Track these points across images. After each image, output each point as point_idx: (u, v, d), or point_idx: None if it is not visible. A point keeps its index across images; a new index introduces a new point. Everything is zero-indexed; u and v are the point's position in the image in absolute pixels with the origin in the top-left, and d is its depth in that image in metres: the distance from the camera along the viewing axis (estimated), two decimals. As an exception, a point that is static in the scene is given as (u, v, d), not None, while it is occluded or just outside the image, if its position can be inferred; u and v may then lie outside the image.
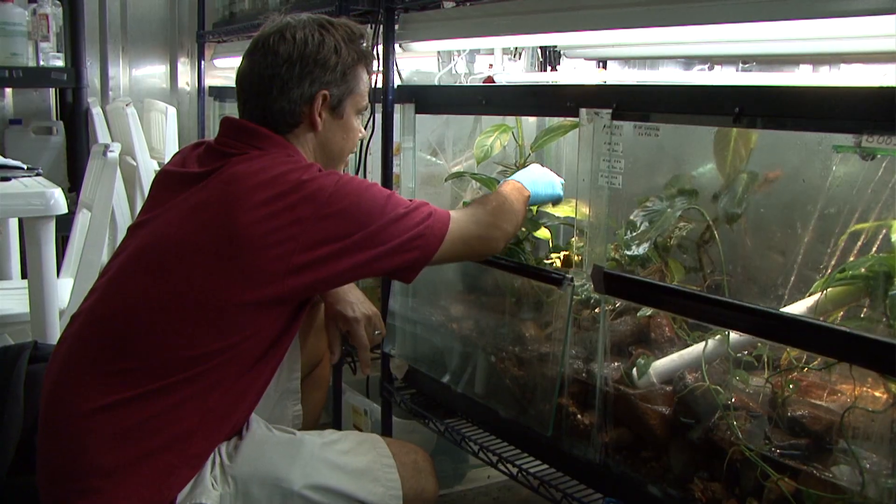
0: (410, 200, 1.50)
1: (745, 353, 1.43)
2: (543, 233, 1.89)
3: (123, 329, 1.37)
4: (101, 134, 3.58)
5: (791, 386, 1.32)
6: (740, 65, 2.21)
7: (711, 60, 2.34)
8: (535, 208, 1.85)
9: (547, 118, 2.01)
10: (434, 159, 2.23)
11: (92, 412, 1.34)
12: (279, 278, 1.35)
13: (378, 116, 2.17)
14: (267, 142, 1.47)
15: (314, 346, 1.86)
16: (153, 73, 4.10)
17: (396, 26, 2.17)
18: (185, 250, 1.37)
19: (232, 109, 3.52)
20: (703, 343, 1.44)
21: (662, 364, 1.51)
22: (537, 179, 1.77)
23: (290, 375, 1.80)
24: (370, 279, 2.49)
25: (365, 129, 2.31)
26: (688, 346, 1.51)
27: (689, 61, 2.48)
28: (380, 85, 2.17)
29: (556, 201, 1.81)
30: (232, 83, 4.20)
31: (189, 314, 1.35)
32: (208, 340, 1.36)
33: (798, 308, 1.33)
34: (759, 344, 1.41)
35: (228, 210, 1.35)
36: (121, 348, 1.36)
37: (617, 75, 2.59)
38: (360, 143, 1.81)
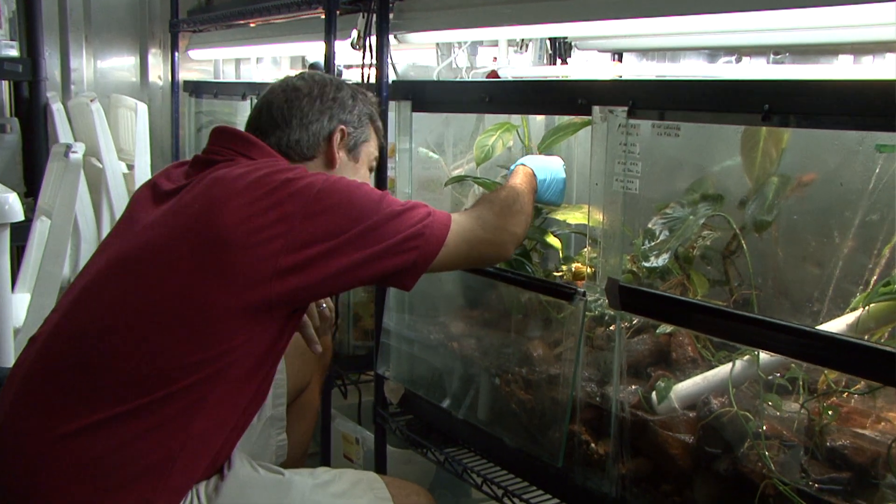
0: (406, 201, 1.51)
1: (778, 375, 1.43)
2: (554, 242, 1.89)
3: (95, 345, 1.37)
4: (63, 133, 3.58)
5: (830, 412, 1.32)
6: (771, 56, 2.21)
7: (739, 52, 2.34)
8: (541, 206, 1.86)
9: (556, 116, 2.02)
10: (433, 155, 2.23)
11: (56, 441, 1.33)
12: (266, 282, 1.36)
13: (371, 114, 2.17)
14: (256, 150, 1.52)
15: (300, 368, 1.86)
16: (121, 65, 4.10)
17: (391, 15, 2.17)
18: (165, 254, 1.38)
19: (209, 105, 3.53)
20: (729, 364, 1.44)
21: (685, 387, 1.51)
22: (547, 167, 1.80)
23: (275, 401, 1.79)
24: (362, 292, 2.49)
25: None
26: (713, 367, 1.51)
27: (713, 53, 2.48)
28: (373, 80, 2.17)
29: (557, 202, 1.83)
30: (209, 77, 4.17)
31: (169, 322, 1.35)
32: (189, 351, 1.35)
33: (837, 325, 1.33)
34: (793, 365, 1.40)
35: (211, 210, 1.37)
36: (92, 365, 1.36)
37: (633, 69, 2.60)
38: None
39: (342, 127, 1.61)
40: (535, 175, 1.77)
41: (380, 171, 2.14)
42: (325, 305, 1.80)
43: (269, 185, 1.39)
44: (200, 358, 1.36)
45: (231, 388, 1.41)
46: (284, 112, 1.59)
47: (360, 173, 1.66)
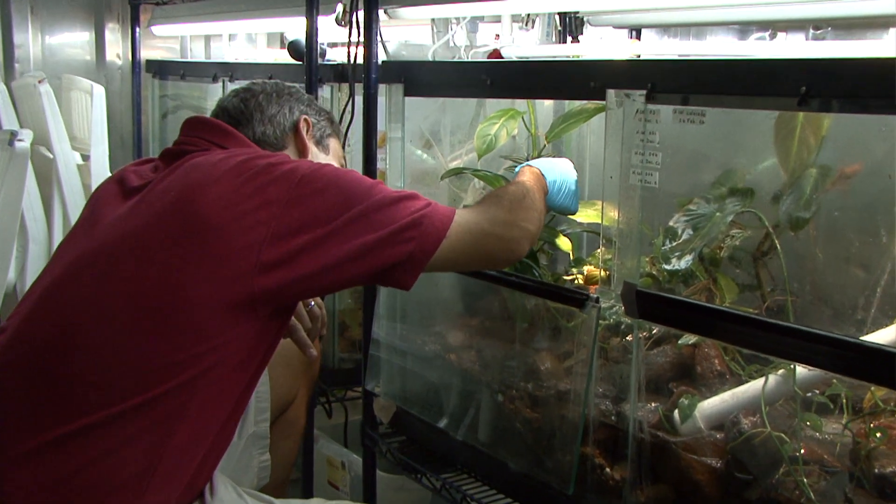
0: (402, 190, 1.53)
1: (817, 392, 1.43)
2: (563, 243, 1.89)
3: (61, 350, 1.37)
4: (6, 118, 3.56)
5: (878, 435, 1.32)
6: (811, 31, 2.21)
7: (773, 26, 2.34)
8: (555, 213, 1.86)
9: (566, 101, 2.02)
10: (426, 156, 2.23)
11: (19, 459, 1.33)
12: (247, 275, 1.36)
13: (359, 100, 2.17)
14: (231, 140, 1.57)
15: (285, 380, 1.86)
16: (73, 41, 4.08)
17: (381, -13, 2.17)
18: (139, 244, 1.40)
19: (175, 88, 3.52)
20: (762, 379, 1.45)
21: (711, 405, 1.52)
22: (556, 168, 1.78)
23: (258, 417, 1.80)
24: (349, 298, 2.49)
25: (343, 113, 2.32)
26: (743, 382, 1.52)
27: (744, 28, 2.49)
28: (360, 61, 2.17)
29: (572, 208, 1.81)
30: (175, 56, 4.19)
31: (145, 319, 1.36)
32: (167, 350, 1.36)
33: (885, 336, 1.33)
34: (835, 381, 1.41)
35: (190, 196, 1.39)
36: (58, 374, 1.36)
37: (653, 48, 2.61)
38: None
39: (305, 117, 1.71)
40: (543, 175, 1.76)
41: (368, 162, 2.14)
42: (313, 304, 1.80)
43: (251, 170, 1.41)
44: (179, 358, 1.36)
45: (211, 394, 1.41)
46: (243, 110, 1.67)
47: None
